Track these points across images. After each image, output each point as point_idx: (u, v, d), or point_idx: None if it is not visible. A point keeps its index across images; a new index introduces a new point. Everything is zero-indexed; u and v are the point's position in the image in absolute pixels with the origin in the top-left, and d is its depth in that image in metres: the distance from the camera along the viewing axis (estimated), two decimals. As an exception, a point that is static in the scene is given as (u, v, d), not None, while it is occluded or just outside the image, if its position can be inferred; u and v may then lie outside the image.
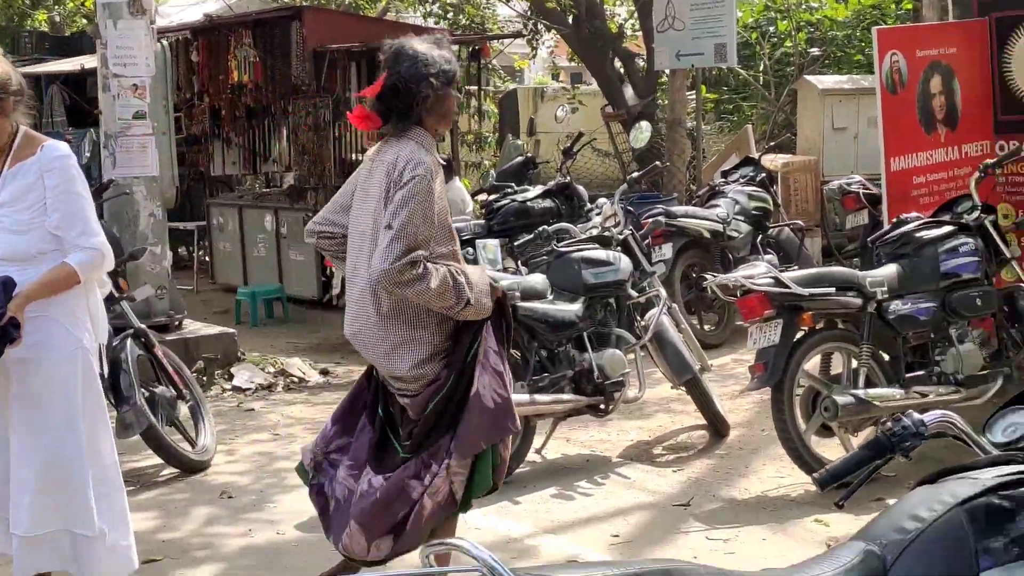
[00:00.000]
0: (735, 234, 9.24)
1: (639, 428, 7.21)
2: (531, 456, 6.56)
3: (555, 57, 21.98)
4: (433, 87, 4.27)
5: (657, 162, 8.53)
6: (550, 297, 6.44)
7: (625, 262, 6.68)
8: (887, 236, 6.44)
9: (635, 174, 7.87)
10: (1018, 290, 6.50)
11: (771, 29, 14.97)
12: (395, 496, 4.25)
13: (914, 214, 6.59)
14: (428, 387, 4.29)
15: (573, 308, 6.42)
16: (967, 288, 6.27)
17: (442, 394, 4.27)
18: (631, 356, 6.65)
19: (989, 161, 6.76)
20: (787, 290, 5.94)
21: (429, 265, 4.16)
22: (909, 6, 13.46)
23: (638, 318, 6.85)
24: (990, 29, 7.57)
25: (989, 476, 2.47)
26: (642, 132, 8.75)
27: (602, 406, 6.50)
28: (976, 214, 6.48)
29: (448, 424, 4.29)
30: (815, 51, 14.02)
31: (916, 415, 2.69)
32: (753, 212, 9.47)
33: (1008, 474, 2.46)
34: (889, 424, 2.68)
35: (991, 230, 6.49)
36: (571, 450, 6.87)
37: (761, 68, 14.36)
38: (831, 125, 11.62)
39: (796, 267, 9.11)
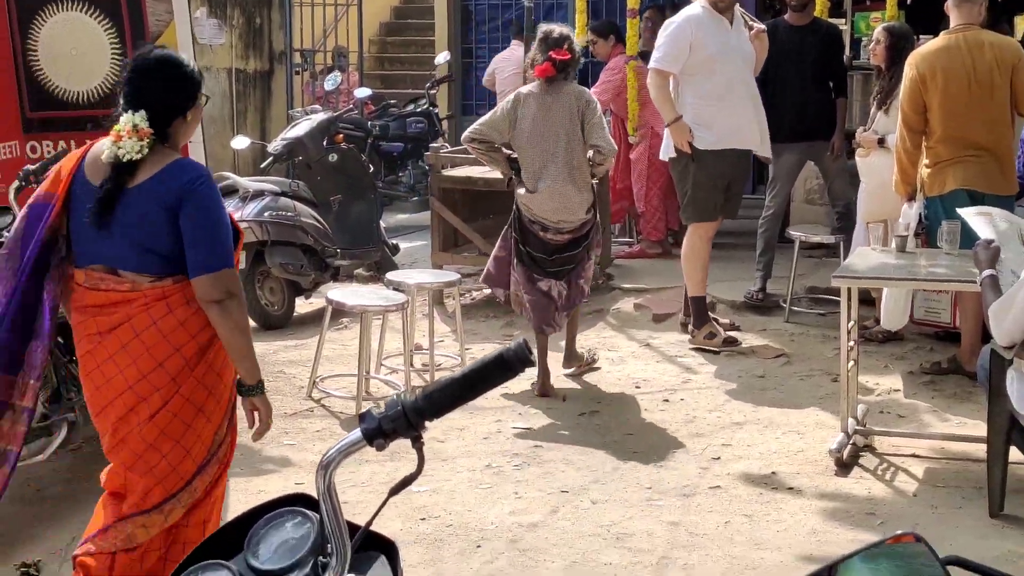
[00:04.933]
0: None
1: None
2: None
3: None
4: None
5: None
6: None
7: None
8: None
9: None
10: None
11: None
12: (579, 293, 6.84)
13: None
14: (584, 224, 6.64)
15: None
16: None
17: (591, 225, 6.71)
18: None
19: (31, 167, 5.65)
20: None
21: None
22: None
23: None
24: (9, 10, 6.46)
25: None
26: None
27: None
28: (15, 230, 5.37)
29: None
30: None
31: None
32: None
33: None
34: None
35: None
36: None
37: None
38: None
39: None
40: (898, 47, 7.14)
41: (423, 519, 5.10)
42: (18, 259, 3.74)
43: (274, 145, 9.03)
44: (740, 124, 7.36)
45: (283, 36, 14.24)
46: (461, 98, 13.77)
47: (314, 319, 8.44)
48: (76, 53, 6.48)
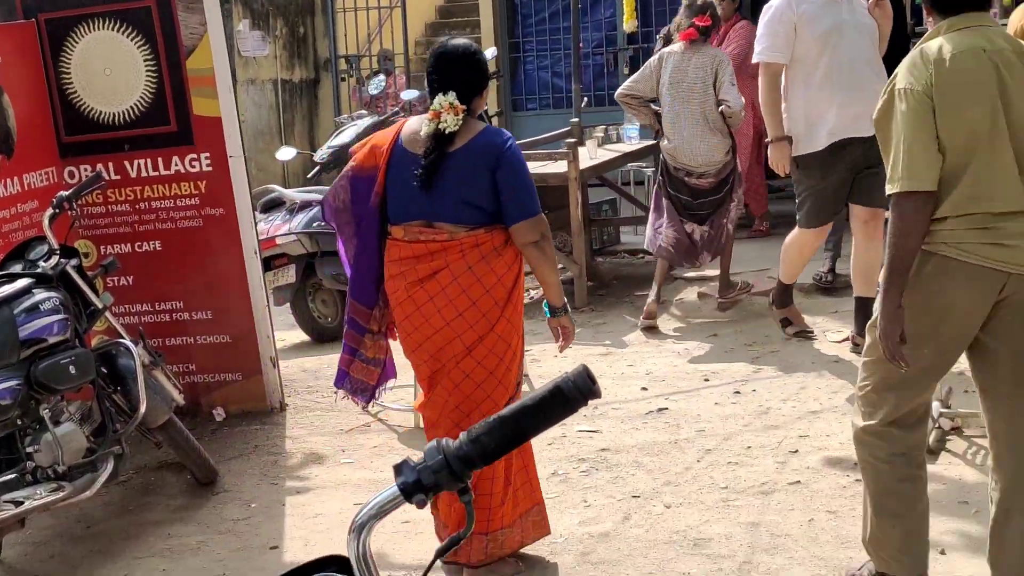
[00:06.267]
0: None
1: None
2: None
3: None
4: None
5: None
6: None
7: None
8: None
9: None
10: (116, 347, 5.32)
11: None
12: (722, 233, 7.70)
13: (-20, 265, 5.14)
14: (725, 167, 7.57)
15: None
16: (56, 354, 4.95)
17: (732, 168, 7.60)
18: None
19: (64, 193, 5.46)
20: None
21: None
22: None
23: None
24: (40, 33, 6.31)
25: None
26: None
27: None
28: (55, 260, 5.19)
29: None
30: None
31: None
32: None
33: None
34: None
35: (76, 277, 5.24)
36: None
37: None
38: None
39: None
40: None
41: (488, 534, 4.85)
42: (352, 219, 4.46)
43: (320, 154, 8.84)
44: (864, 110, 6.14)
45: (327, 43, 14.11)
46: (511, 94, 13.53)
47: (371, 329, 8.24)
48: (110, 73, 6.33)
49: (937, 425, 5.36)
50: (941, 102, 3.49)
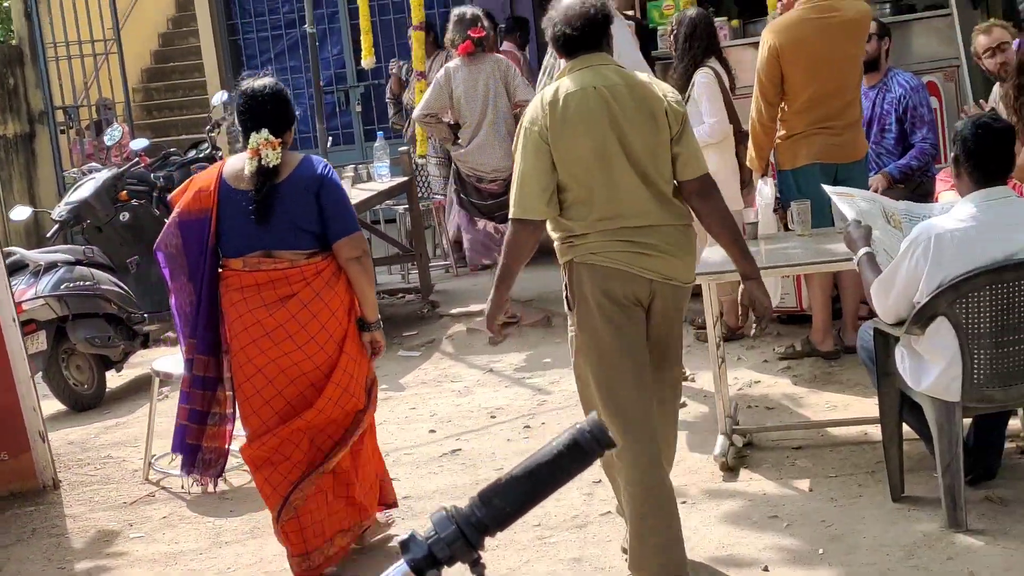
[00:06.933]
0: None
1: None
2: None
3: None
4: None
5: None
6: None
7: None
8: None
9: None
10: None
11: None
12: None
13: None
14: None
15: None
16: None
17: None
18: None
19: None
20: None
21: None
22: None
23: None
24: None
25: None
26: None
27: None
28: None
29: None
30: None
31: None
32: None
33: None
34: None
35: None
36: None
37: None
38: None
39: None
40: (696, 33, 6.87)
41: (306, 599, 4.64)
42: (185, 264, 4.59)
43: (58, 211, 8.34)
44: None
45: (41, 94, 13.41)
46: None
47: (128, 393, 7.86)
48: None
49: (731, 443, 5.47)
50: (555, 139, 4.00)
